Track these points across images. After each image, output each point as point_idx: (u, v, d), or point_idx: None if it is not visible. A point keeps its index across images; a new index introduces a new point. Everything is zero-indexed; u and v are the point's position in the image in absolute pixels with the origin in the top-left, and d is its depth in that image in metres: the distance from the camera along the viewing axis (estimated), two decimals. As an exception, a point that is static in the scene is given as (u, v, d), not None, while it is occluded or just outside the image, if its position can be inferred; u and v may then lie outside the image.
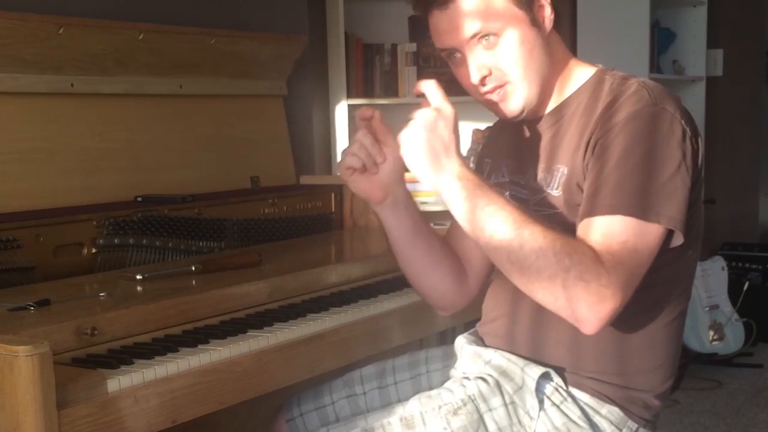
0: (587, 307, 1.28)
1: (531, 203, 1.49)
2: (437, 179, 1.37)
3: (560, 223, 1.42)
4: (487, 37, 1.43)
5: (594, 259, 1.28)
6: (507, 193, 1.54)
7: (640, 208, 1.31)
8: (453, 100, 1.34)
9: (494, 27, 1.42)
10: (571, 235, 1.34)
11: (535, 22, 1.44)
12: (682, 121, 1.37)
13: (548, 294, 1.30)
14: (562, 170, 1.45)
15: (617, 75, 1.46)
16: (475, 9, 1.41)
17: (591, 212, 1.33)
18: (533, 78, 1.45)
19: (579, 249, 1.29)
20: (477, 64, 1.44)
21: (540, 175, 1.49)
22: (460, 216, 1.37)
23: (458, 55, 1.46)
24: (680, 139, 1.35)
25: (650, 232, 1.32)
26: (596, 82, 1.47)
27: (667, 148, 1.34)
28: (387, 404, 1.65)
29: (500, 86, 1.45)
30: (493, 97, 1.47)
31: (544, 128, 1.51)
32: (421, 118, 1.39)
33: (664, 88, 1.42)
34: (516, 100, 1.46)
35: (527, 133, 1.55)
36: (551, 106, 1.51)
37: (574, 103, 1.48)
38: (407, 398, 1.63)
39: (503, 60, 1.44)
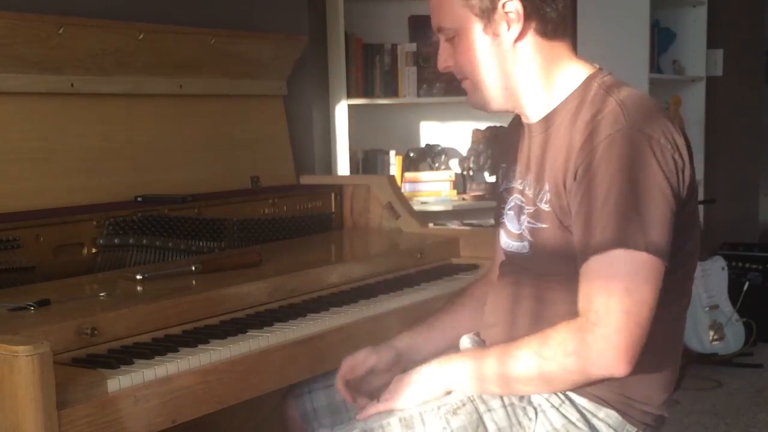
0: (601, 370, 1.35)
1: (525, 212, 1.49)
2: (436, 376, 1.46)
3: (551, 238, 1.44)
4: (446, 32, 1.49)
5: (572, 332, 1.34)
6: (513, 196, 1.55)
7: (631, 239, 1.31)
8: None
9: (450, 25, 1.48)
10: (556, 271, 1.43)
11: (490, 28, 1.46)
12: (661, 140, 1.35)
13: (571, 384, 1.41)
14: (547, 187, 1.45)
15: (604, 84, 1.45)
16: (437, 4, 1.49)
17: (585, 255, 1.35)
18: (492, 83, 1.49)
19: (551, 337, 1.36)
20: (442, 55, 1.52)
21: (532, 185, 1.49)
22: (466, 384, 1.45)
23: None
24: (658, 162, 1.33)
25: (644, 262, 1.32)
26: (583, 90, 1.46)
27: (644, 176, 1.33)
28: None
29: (463, 79, 1.52)
30: (463, 86, 1.54)
31: (536, 135, 1.51)
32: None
33: (644, 104, 1.40)
34: (477, 97, 1.53)
35: (526, 140, 1.55)
36: (543, 111, 1.50)
37: (562, 112, 1.47)
38: None
39: (459, 58, 1.50)
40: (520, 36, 1.46)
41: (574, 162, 1.38)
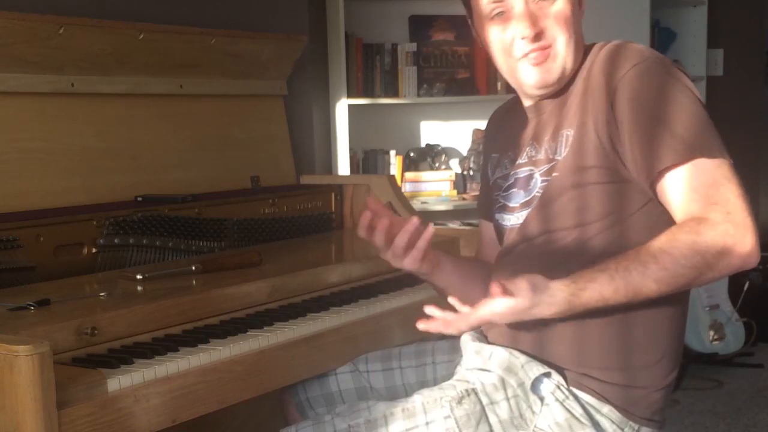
0: (743, 260, 1.36)
1: (537, 174, 1.52)
2: (568, 308, 1.39)
3: (557, 187, 1.47)
4: None
5: (716, 229, 1.35)
6: (510, 182, 1.58)
7: (708, 148, 1.39)
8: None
9: None
10: (582, 203, 1.44)
11: (579, 2, 1.54)
12: (669, 61, 1.47)
13: (707, 282, 1.40)
14: (566, 134, 1.48)
15: (612, 41, 1.53)
16: None
17: (659, 169, 1.39)
18: (573, 48, 1.51)
19: (700, 237, 1.35)
20: (533, 19, 1.50)
21: (546, 146, 1.52)
22: (604, 302, 1.39)
23: (503, 11, 1.51)
24: (690, 81, 1.44)
25: (722, 164, 1.39)
26: (596, 49, 1.53)
27: (686, 88, 1.42)
28: (390, 386, 1.70)
29: (545, 48, 1.50)
30: (532, 60, 1.51)
31: (549, 104, 1.56)
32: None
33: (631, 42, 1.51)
34: (554, 68, 1.51)
35: (532, 118, 1.59)
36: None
37: (577, 74, 1.53)
38: (410, 383, 1.66)
39: (557, 23, 1.50)
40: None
41: (606, 93, 1.44)
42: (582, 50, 1.54)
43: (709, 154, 1.39)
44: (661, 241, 1.37)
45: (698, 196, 1.38)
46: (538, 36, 1.49)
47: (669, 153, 1.39)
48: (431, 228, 1.55)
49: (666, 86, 1.41)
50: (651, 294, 1.38)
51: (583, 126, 1.46)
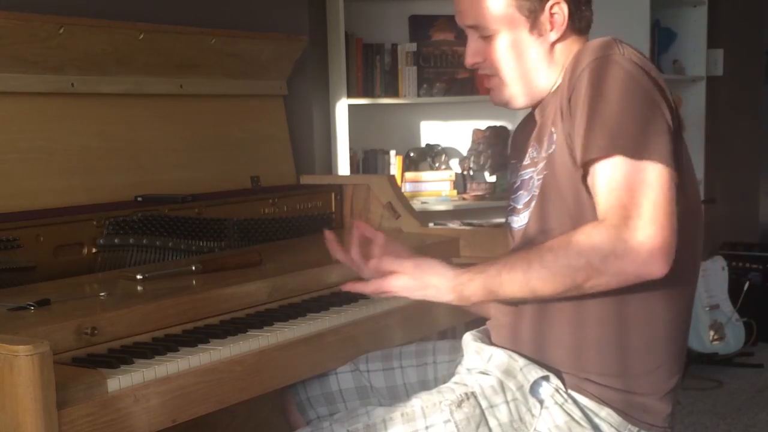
0: (638, 267, 1.31)
1: (535, 174, 1.52)
2: (456, 296, 1.44)
3: (546, 185, 1.47)
4: (483, 30, 1.51)
5: (608, 232, 1.31)
6: (518, 184, 1.59)
7: (631, 148, 1.33)
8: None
9: (490, 25, 1.50)
10: (563, 215, 1.42)
11: (536, 28, 1.49)
12: (640, 57, 1.40)
13: (602, 287, 1.35)
14: (551, 131, 1.49)
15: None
16: (477, 2, 1.49)
17: (591, 161, 1.37)
18: (519, 79, 1.52)
19: (588, 239, 1.33)
20: (472, 50, 1.54)
21: (544, 145, 1.52)
22: (494, 296, 1.42)
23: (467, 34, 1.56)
24: (634, 76, 1.37)
25: (647, 167, 1.33)
26: (581, 50, 1.50)
27: (637, 88, 1.36)
28: (390, 386, 1.71)
29: (489, 77, 1.55)
30: (487, 82, 1.56)
31: (550, 103, 1.55)
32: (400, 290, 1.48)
33: (616, 40, 1.44)
34: (501, 95, 1.56)
35: (538, 115, 1.60)
36: (557, 85, 1.55)
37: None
38: (410, 383, 1.66)
39: (493, 57, 1.52)
40: (561, 38, 1.51)
41: (568, 86, 1.43)
42: (554, 67, 1.53)
43: (633, 155, 1.33)
44: (554, 241, 1.37)
45: (610, 196, 1.34)
46: (477, 65, 1.55)
47: (595, 146, 1.35)
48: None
49: (608, 83, 1.36)
50: (543, 292, 1.37)
51: (557, 124, 1.46)
